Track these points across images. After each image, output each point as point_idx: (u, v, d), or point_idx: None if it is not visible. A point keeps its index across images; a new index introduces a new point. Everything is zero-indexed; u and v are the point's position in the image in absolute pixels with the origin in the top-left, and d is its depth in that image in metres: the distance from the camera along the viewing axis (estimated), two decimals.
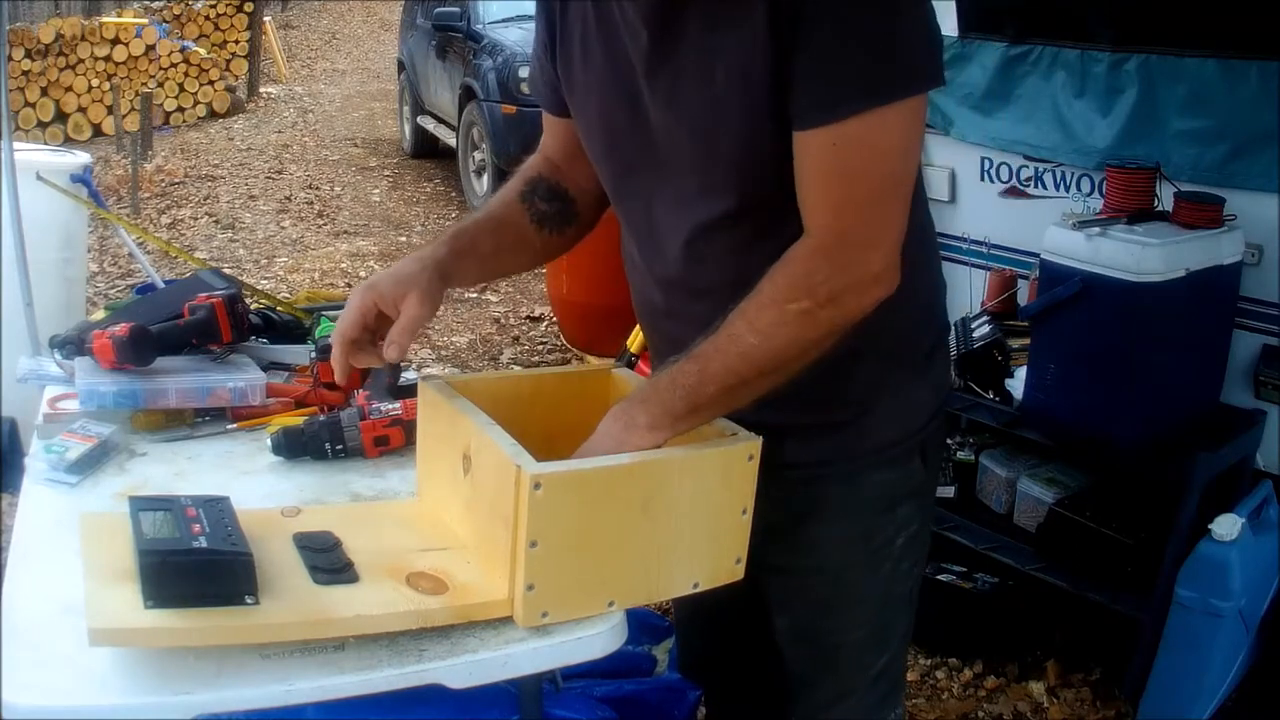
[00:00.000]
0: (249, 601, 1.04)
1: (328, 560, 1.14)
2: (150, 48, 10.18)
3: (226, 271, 2.58)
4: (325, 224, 6.78)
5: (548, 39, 1.32)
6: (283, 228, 6.66)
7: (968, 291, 2.85)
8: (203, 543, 1.06)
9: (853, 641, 1.38)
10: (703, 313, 1.17)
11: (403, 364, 1.25)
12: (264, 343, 1.87)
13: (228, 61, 11.61)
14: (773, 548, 1.31)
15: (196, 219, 6.79)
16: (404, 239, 6.48)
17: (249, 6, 11.88)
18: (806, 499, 1.32)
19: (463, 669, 1.07)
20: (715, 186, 1.19)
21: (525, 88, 6.36)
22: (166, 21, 11.40)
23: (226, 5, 11.81)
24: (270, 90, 12.33)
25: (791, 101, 1.09)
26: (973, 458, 2.74)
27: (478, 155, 6.93)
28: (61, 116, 9.67)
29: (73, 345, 1.68)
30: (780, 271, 1.13)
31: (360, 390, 1.59)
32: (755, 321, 1.12)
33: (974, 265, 2.87)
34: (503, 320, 5.14)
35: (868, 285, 1.13)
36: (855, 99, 1.06)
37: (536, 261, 1.44)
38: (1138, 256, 2.13)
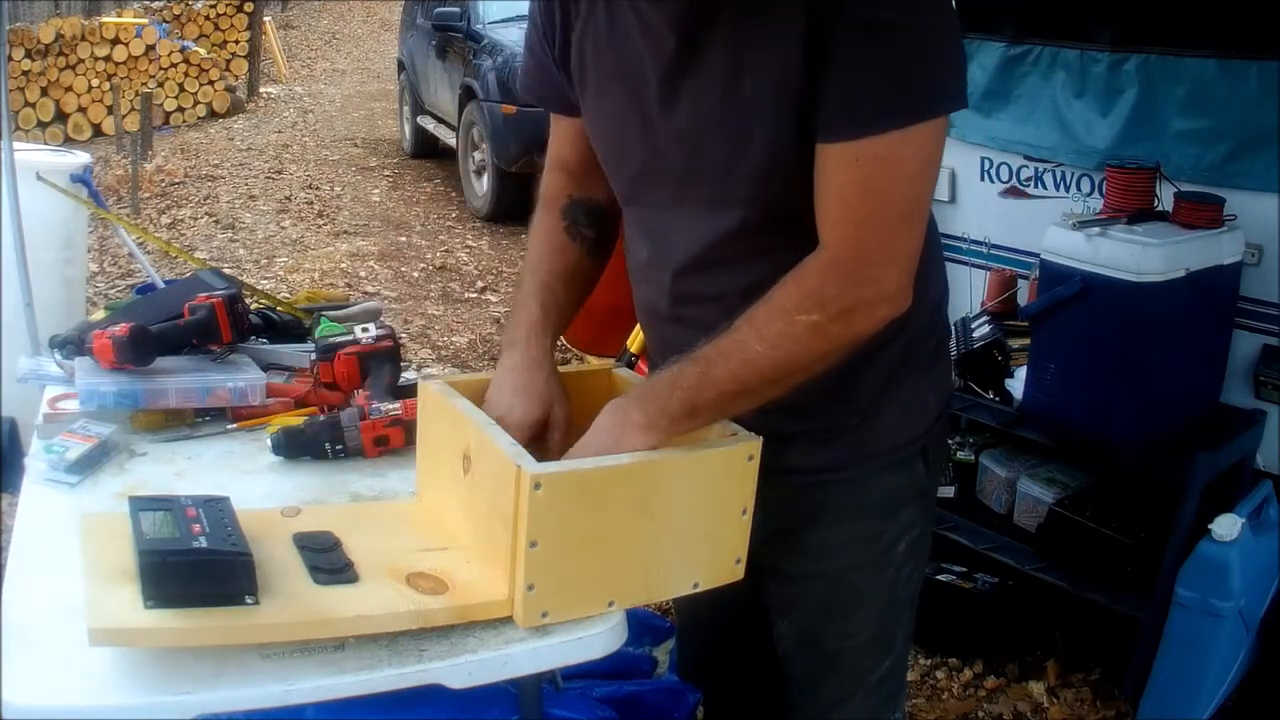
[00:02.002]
0: (249, 601, 1.04)
1: (328, 560, 1.14)
2: (150, 48, 10.18)
3: (226, 271, 2.57)
4: (325, 224, 6.78)
5: (554, 39, 1.30)
6: (283, 228, 6.65)
7: (968, 291, 2.85)
8: (203, 543, 1.06)
9: (856, 645, 1.38)
10: (710, 319, 1.17)
11: (402, 364, 1.26)
12: (264, 343, 1.87)
13: (228, 61, 11.60)
14: (776, 551, 1.31)
15: (196, 219, 6.78)
16: (404, 239, 6.48)
17: (249, 6, 11.86)
18: (811, 504, 1.32)
19: (463, 669, 1.07)
20: (734, 195, 1.18)
21: None
22: (166, 21, 11.38)
23: (226, 5, 11.79)
24: (270, 90, 12.33)
25: (818, 113, 1.09)
26: (973, 458, 2.74)
27: (478, 155, 6.93)
28: (61, 116, 9.67)
29: (73, 345, 1.68)
30: (793, 281, 1.12)
31: (360, 390, 1.59)
32: (763, 330, 1.12)
33: (974, 265, 2.87)
34: (502, 320, 5.14)
35: (878, 304, 1.12)
36: (882, 117, 1.06)
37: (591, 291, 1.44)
38: (1138, 256, 2.13)
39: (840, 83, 1.06)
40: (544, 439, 1.26)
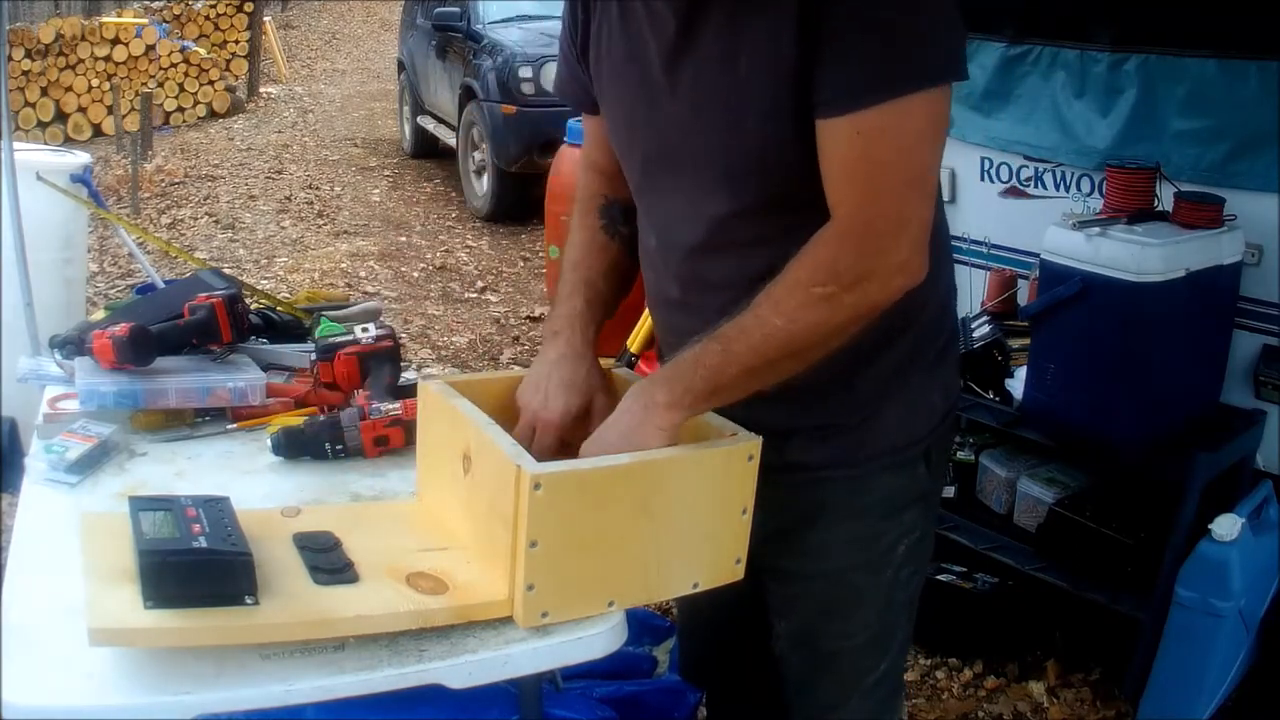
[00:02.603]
0: (249, 601, 1.04)
1: (328, 560, 1.14)
2: (150, 48, 10.18)
3: (226, 271, 2.57)
4: (325, 224, 6.78)
5: (577, 37, 1.34)
6: (283, 228, 6.65)
7: (968, 291, 2.84)
8: (203, 543, 1.06)
9: (853, 647, 1.37)
10: (718, 306, 1.18)
11: (402, 364, 1.26)
12: (264, 343, 1.87)
13: (228, 61, 11.59)
14: (775, 550, 1.31)
15: (196, 219, 6.78)
16: (404, 239, 6.48)
17: (249, 6, 11.86)
18: (810, 503, 1.32)
19: (463, 669, 1.07)
20: (735, 178, 1.19)
21: (526, 88, 6.37)
22: (166, 21, 11.38)
23: (226, 5, 11.79)
24: (270, 90, 12.32)
25: (815, 90, 1.10)
26: (973, 458, 2.74)
27: (478, 155, 6.93)
28: (61, 116, 9.66)
29: (73, 345, 1.68)
30: (806, 255, 1.13)
31: (360, 390, 1.59)
32: (781, 304, 1.13)
33: (974, 265, 2.87)
34: (503, 320, 5.14)
35: (892, 273, 1.13)
36: (879, 88, 1.07)
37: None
38: (1138, 256, 2.13)
39: (835, 58, 1.08)
40: (585, 429, 1.27)
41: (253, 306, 1.94)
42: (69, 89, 9.70)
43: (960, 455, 2.75)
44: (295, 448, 1.50)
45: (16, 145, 2.59)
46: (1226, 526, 2.16)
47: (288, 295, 3.24)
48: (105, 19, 10.50)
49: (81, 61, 9.78)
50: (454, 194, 7.59)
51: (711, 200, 1.22)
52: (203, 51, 10.81)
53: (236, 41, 11.88)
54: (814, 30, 1.08)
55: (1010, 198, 2.82)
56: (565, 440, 1.27)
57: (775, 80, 1.11)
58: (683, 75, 1.19)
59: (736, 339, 1.14)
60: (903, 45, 1.07)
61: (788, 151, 1.14)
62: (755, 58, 1.12)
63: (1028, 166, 2.77)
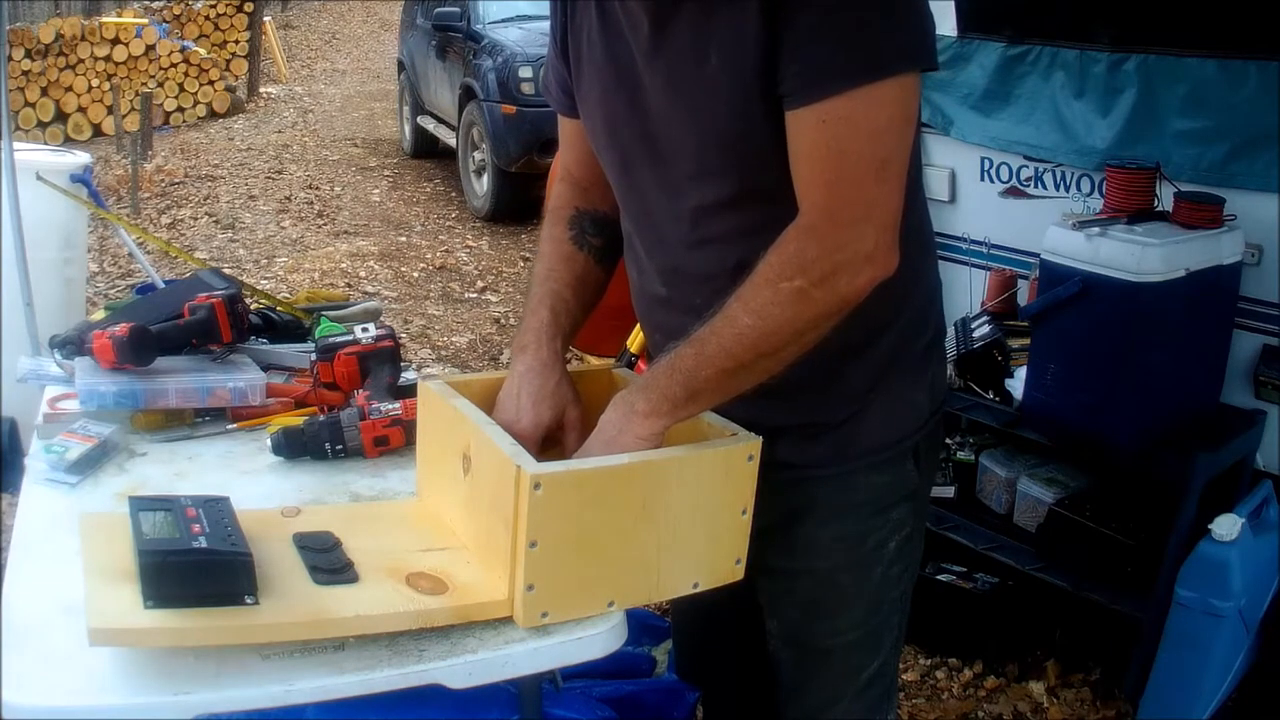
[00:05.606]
0: (249, 601, 1.04)
1: (328, 560, 1.14)
2: (150, 48, 10.18)
3: (226, 271, 2.57)
4: (325, 224, 6.78)
5: (559, 38, 1.34)
6: (283, 228, 6.66)
7: (968, 291, 2.85)
8: (203, 543, 1.06)
9: (844, 645, 1.37)
10: (702, 301, 1.18)
11: (402, 364, 1.26)
12: (264, 343, 1.87)
13: (228, 61, 11.60)
14: (765, 548, 1.31)
15: (196, 219, 6.78)
16: (404, 239, 6.48)
17: (249, 6, 11.87)
18: (799, 500, 1.32)
19: (463, 669, 1.07)
20: (711, 170, 1.19)
21: (526, 88, 6.37)
22: (166, 21, 11.39)
23: (226, 5, 11.80)
24: (270, 90, 12.33)
25: (781, 81, 1.10)
26: (973, 458, 2.74)
27: (478, 155, 6.93)
28: (61, 116, 9.66)
29: (73, 345, 1.68)
30: (774, 252, 1.13)
31: (360, 390, 1.59)
32: (750, 302, 1.12)
33: (974, 265, 2.87)
34: (503, 320, 5.14)
35: (860, 264, 1.12)
36: (842, 76, 1.07)
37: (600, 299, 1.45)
38: (1138, 256, 2.13)
39: (799, 48, 1.08)
40: (559, 442, 1.27)
41: (253, 306, 1.94)
42: (69, 89, 9.70)
43: (960, 455, 2.75)
44: (295, 448, 1.50)
45: (16, 145, 2.59)
46: (1226, 526, 2.16)
47: (288, 295, 3.24)
48: (105, 19, 10.50)
49: (81, 61, 9.78)
50: (454, 194, 7.60)
51: (690, 194, 1.22)
52: (203, 51, 10.81)
53: (236, 41, 11.88)
54: (778, 20, 1.08)
55: (1010, 198, 2.82)
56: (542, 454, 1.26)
57: (743, 72, 1.12)
58: (658, 71, 1.19)
59: (708, 340, 1.14)
60: (866, 33, 1.07)
61: (761, 142, 1.14)
62: (724, 50, 1.13)
63: (1028, 166, 2.77)
